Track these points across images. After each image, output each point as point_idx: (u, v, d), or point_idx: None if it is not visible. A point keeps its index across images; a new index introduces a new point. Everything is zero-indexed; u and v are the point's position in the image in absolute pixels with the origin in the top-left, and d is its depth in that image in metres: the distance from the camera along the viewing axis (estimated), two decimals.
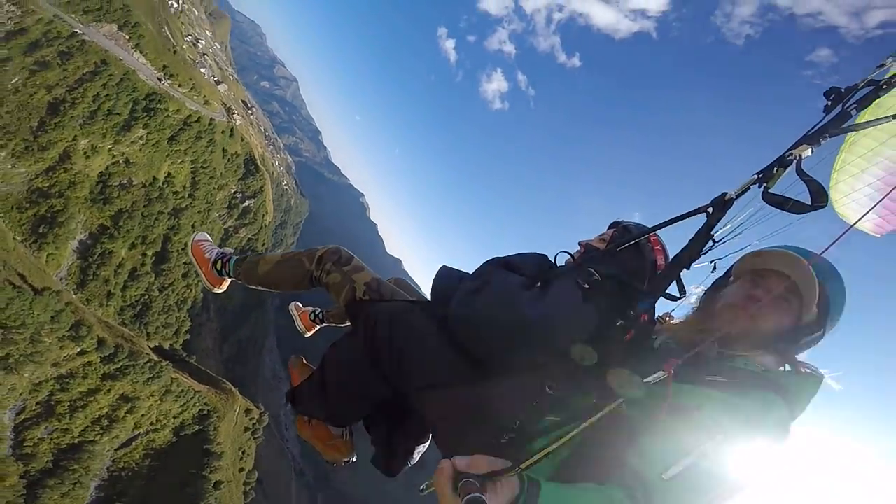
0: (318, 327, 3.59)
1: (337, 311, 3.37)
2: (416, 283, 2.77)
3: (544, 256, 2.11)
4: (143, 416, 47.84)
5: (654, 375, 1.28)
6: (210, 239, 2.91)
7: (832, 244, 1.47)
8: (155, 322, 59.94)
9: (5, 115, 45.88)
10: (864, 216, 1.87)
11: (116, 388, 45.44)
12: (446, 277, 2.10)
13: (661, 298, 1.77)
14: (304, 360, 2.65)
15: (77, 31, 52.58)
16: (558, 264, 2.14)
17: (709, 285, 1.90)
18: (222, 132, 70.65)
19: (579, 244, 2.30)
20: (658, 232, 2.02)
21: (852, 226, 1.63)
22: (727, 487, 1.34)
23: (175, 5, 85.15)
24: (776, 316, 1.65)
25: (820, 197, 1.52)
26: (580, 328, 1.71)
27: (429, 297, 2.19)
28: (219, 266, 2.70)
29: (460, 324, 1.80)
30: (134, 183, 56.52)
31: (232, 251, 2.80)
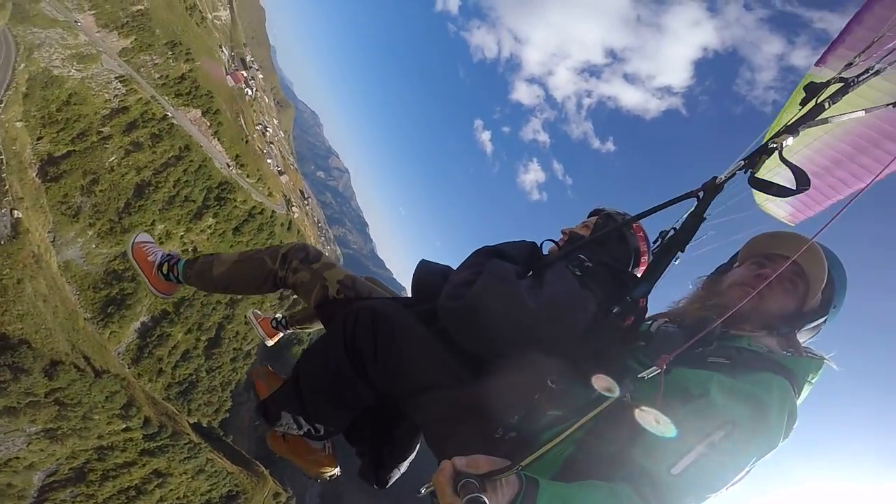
0: (282, 334, 3.34)
1: (304, 315, 3.04)
2: None
3: (534, 244, 2.01)
4: (170, 490, 47.17)
5: (647, 371, 1.24)
6: (152, 240, 2.64)
7: (823, 228, 1.45)
8: (198, 400, 61.03)
9: (99, 194, 51.82)
10: (863, 191, 1.87)
11: (152, 463, 45.47)
12: (427, 272, 1.97)
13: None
14: (271, 369, 2.41)
15: (168, 114, 59.87)
16: (544, 253, 2.06)
17: (712, 270, 1.92)
18: (281, 224, 76.40)
19: (562, 232, 2.26)
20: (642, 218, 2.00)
21: (844, 208, 1.55)
22: (739, 477, 1.31)
23: (250, 93, 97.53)
24: (783, 298, 1.65)
25: (803, 181, 1.58)
26: (582, 315, 1.64)
27: (409, 295, 2.04)
28: (165, 269, 2.44)
29: (452, 318, 1.67)
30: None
31: (179, 253, 2.57)
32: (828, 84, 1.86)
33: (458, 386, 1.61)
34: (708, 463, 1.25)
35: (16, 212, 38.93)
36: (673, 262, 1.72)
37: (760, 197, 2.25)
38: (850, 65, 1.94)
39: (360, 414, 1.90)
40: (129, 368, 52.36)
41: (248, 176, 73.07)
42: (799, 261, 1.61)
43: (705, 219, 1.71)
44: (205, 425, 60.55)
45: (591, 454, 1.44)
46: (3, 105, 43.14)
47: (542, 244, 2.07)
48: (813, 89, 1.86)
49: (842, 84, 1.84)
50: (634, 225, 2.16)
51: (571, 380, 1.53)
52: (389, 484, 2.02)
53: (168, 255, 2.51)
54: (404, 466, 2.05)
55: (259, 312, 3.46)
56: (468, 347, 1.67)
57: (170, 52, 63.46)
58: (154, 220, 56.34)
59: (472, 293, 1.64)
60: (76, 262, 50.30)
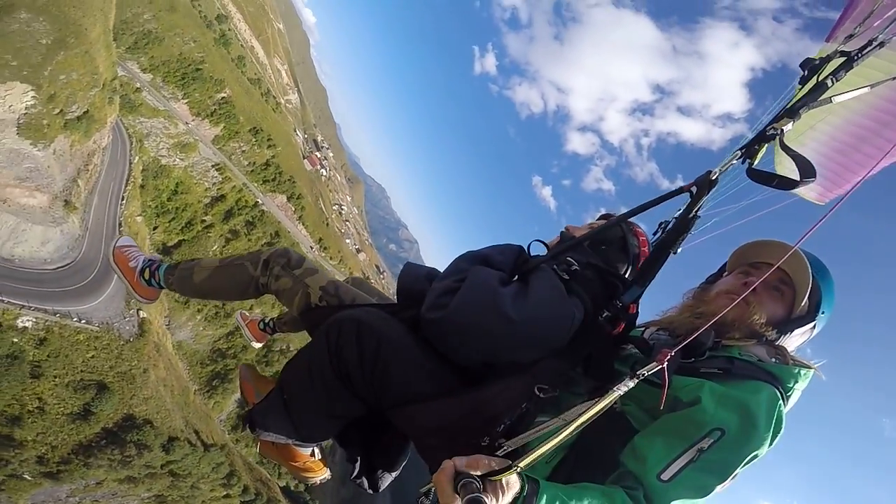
0: (270, 337, 3.23)
1: (290, 318, 2.89)
2: None
3: (520, 248, 1.91)
4: None
5: (647, 367, 1.19)
6: (135, 244, 2.58)
7: (806, 235, 1.33)
8: None
9: None
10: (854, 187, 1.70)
11: None
12: (413, 276, 1.88)
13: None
14: (258, 371, 2.30)
15: (259, 200, 65.36)
16: (533, 254, 1.95)
17: (703, 279, 1.94)
18: None
19: (566, 228, 2.20)
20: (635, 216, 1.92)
21: (837, 206, 1.44)
22: (726, 482, 1.32)
23: (325, 173, 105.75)
24: (770, 305, 1.67)
25: (808, 171, 1.46)
26: (567, 324, 1.59)
27: (395, 299, 1.97)
28: (146, 275, 2.39)
29: (434, 330, 1.62)
30: (291, 349, 65.72)
31: (160, 257, 2.50)
32: (828, 59, 1.74)
33: (445, 396, 1.58)
34: (697, 469, 1.28)
35: (141, 312, 44.48)
36: (664, 264, 1.66)
37: (782, 169, 2.07)
38: (850, 37, 1.80)
39: (349, 422, 1.83)
40: (229, 435, 56.12)
41: (330, 258, 78.84)
42: (785, 268, 1.66)
43: (699, 217, 1.62)
44: (293, 489, 62.22)
45: (585, 458, 1.50)
46: (124, 201, 48.91)
47: (530, 245, 1.97)
48: (813, 66, 1.75)
49: (844, 59, 1.70)
50: (640, 235, 2.11)
51: (560, 387, 1.54)
52: (381, 489, 1.98)
53: (149, 259, 2.46)
54: (396, 471, 2.00)
55: (247, 313, 3.34)
56: (452, 358, 1.63)
57: (253, 139, 70.48)
58: (252, 305, 62.28)
59: (454, 305, 1.58)
60: (187, 341, 56.55)
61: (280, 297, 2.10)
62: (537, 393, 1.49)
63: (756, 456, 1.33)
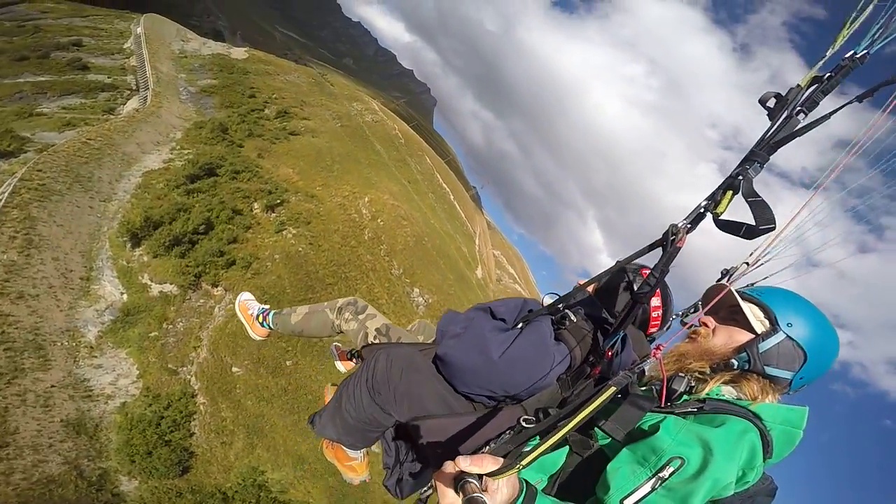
0: (355, 363, 3.71)
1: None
2: None
3: (524, 301, 2.15)
4: None
5: (643, 363, 1.31)
6: (253, 297, 3.41)
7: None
8: None
9: None
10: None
11: None
12: (447, 321, 2.22)
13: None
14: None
15: None
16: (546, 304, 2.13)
17: None
18: None
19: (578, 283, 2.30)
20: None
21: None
22: None
23: None
24: (724, 333, 1.69)
25: (767, 220, 1.42)
26: (547, 366, 1.84)
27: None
28: (261, 319, 3.17)
29: (444, 366, 2.01)
30: None
31: (268, 307, 3.26)
32: (799, 88, 1.59)
33: (449, 415, 1.94)
34: (660, 496, 1.28)
35: None
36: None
37: None
38: (825, 58, 1.62)
39: (386, 432, 2.25)
40: None
41: None
42: (732, 299, 1.70)
43: (668, 271, 1.63)
44: None
45: (562, 493, 1.55)
46: None
47: (544, 297, 2.17)
48: (781, 99, 1.60)
49: (816, 85, 1.55)
50: (643, 271, 2.25)
51: (543, 417, 1.72)
52: (404, 496, 2.25)
53: (263, 308, 3.24)
54: (425, 481, 2.22)
55: (339, 345, 3.84)
56: (457, 388, 1.99)
57: None
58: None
59: (456, 346, 1.97)
60: None
61: (349, 336, 2.65)
62: (521, 423, 1.72)
63: (718, 488, 1.30)
